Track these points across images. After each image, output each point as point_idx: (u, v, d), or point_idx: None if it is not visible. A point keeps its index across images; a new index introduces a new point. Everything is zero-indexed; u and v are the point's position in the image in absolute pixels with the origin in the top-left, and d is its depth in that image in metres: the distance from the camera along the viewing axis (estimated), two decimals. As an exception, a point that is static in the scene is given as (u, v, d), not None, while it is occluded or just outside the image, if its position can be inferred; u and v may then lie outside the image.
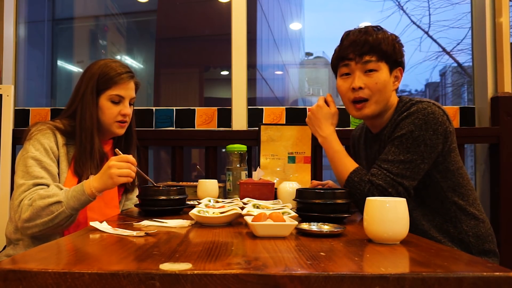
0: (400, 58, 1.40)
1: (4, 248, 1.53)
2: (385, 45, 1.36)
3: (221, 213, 1.10)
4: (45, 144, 1.42)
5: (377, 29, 1.40)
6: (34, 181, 1.35)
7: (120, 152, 1.37)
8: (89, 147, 1.46)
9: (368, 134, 1.54)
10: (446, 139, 1.30)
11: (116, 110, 1.51)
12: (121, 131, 1.56)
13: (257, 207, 1.20)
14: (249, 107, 2.22)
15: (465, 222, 1.34)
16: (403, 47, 1.42)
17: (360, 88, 1.36)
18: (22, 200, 1.33)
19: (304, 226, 0.99)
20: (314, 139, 2.00)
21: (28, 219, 1.31)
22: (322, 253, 0.76)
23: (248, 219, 0.96)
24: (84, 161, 1.45)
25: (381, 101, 1.38)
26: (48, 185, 1.37)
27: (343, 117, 2.17)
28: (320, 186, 1.58)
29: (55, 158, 1.44)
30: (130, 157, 1.32)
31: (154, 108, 2.27)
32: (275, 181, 1.72)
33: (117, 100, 1.51)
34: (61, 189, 1.35)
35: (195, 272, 0.62)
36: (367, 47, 1.35)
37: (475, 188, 2.17)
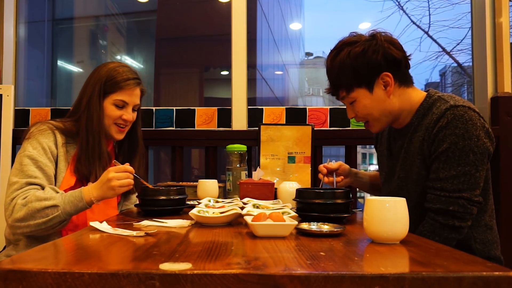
0: (371, 72, 1.31)
1: (4, 248, 1.53)
2: (343, 76, 1.33)
3: (221, 213, 1.10)
4: (44, 144, 1.42)
5: (336, 55, 1.34)
6: (27, 180, 1.35)
7: (118, 163, 1.38)
8: (97, 149, 1.47)
9: (391, 127, 1.50)
10: (491, 140, 1.27)
11: (118, 114, 1.52)
12: (119, 136, 1.56)
13: (257, 207, 1.20)
14: (249, 107, 2.22)
15: (476, 228, 1.32)
16: (375, 51, 1.30)
17: (354, 117, 1.42)
18: (15, 198, 1.33)
19: (304, 226, 0.99)
20: (314, 139, 2.00)
21: (21, 219, 1.31)
22: (322, 253, 0.76)
23: (248, 219, 0.96)
24: (92, 163, 1.46)
25: (379, 117, 1.37)
26: (41, 185, 1.37)
27: (343, 117, 2.18)
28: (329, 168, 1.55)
29: (54, 158, 1.44)
30: (127, 167, 1.34)
31: (154, 108, 2.27)
32: (275, 181, 1.72)
33: (121, 105, 1.52)
34: (57, 192, 1.35)
35: (195, 272, 0.62)
36: (333, 88, 1.39)
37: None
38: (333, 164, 1.55)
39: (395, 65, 1.33)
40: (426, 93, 1.38)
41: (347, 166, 1.59)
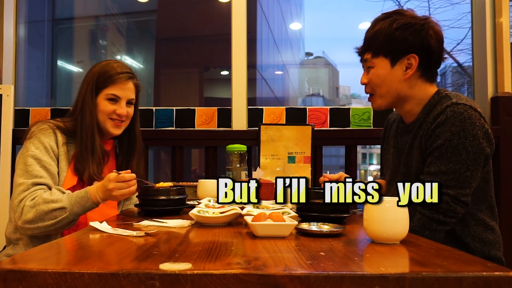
0: (404, 45, 1.32)
1: (4, 248, 1.53)
2: (378, 39, 1.35)
3: (221, 213, 1.10)
4: (45, 143, 1.43)
5: (383, 18, 1.35)
6: (33, 180, 1.36)
7: (117, 172, 1.35)
8: (90, 144, 1.47)
9: (400, 123, 1.49)
10: (489, 141, 1.25)
11: (111, 108, 1.52)
12: (116, 131, 1.56)
13: (257, 207, 1.20)
14: (249, 107, 2.22)
15: (473, 227, 1.32)
16: (418, 31, 1.31)
17: (366, 84, 1.42)
18: (23, 200, 1.34)
19: (304, 226, 0.99)
20: (314, 139, 2.00)
21: (31, 221, 1.32)
22: (322, 253, 0.76)
23: (248, 219, 0.96)
24: (86, 159, 1.46)
25: (385, 94, 1.38)
26: (47, 185, 1.38)
27: (343, 117, 2.18)
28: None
29: (55, 157, 1.45)
30: (126, 175, 1.32)
31: (154, 108, 2.27)
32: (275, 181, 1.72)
33: (113, 99, 1.52)
34: (63, 192, 1.36)
35: (195, 272, 0.62)
36: (364, 46, 1.40)
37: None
38: (333, 176, 1.55)
39: (426, 54, 1.33)
40: (436, 90, 1.38)
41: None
